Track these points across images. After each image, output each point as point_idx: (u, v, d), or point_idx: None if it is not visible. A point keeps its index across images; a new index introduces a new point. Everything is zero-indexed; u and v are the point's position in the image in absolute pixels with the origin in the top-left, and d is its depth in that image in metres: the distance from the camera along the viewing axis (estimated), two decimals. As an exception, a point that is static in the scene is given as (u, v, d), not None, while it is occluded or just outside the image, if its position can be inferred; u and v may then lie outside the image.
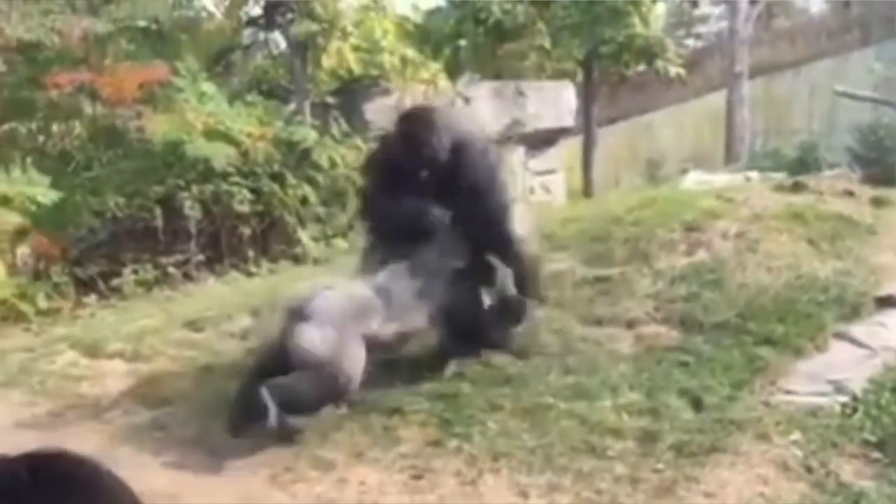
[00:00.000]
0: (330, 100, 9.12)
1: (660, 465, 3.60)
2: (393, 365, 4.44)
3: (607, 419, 3.95)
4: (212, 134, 7.98)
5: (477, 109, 9.72)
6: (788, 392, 4.05)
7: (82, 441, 4.33)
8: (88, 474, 0.91)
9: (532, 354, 4.63)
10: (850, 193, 6.17)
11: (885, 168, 7.92)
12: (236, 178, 7.99)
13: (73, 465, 0.92)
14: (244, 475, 3.88)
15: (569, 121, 10.75)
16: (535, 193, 10.36)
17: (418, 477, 3.71)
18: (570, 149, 11.91)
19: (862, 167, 8.39)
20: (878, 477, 3.44)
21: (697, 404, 4.03)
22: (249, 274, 7.81)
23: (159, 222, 7.85)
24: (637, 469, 3.58)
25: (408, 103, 9.20)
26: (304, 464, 3.90)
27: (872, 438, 3.68)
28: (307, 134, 8.41)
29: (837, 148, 10.42)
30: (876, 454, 3.59)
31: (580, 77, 12.32)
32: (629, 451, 3.73)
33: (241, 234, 8.06)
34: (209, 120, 8.01)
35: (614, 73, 12.81)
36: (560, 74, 11.90)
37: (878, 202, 5.99)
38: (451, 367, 4.49)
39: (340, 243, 8.23)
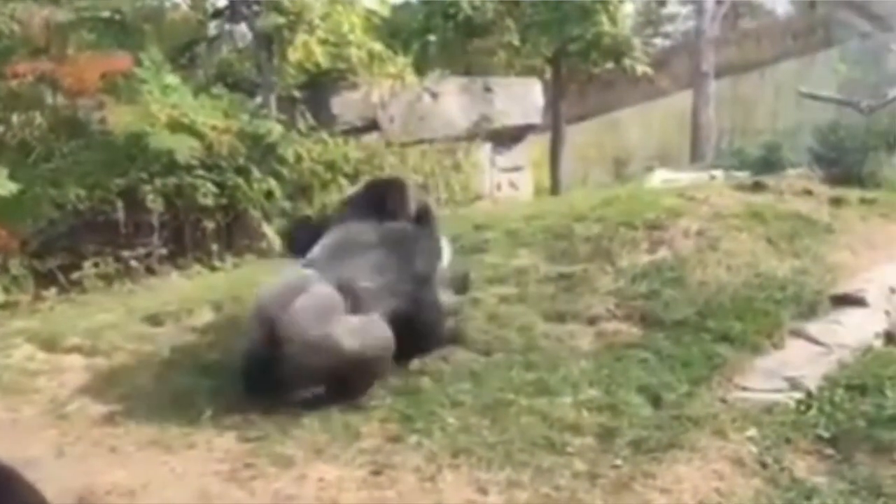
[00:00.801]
0: (296, 93, 9.06)
1: (618, 462, 3.62)
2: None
3: (567, 415, 3.97)
4: (175, 126, 7.89)
5: (444, 105, 9.74)
6: (745, 389, 4.10)
7: (38, 436, 4.27)
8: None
9: (494, 351, 4.65)
10: (809, 193, 6.27)
11: (845, 168, 8.01)
12: (200, 172, 7.91)
13: None
14: (202, 471, 3.85)
15: (536, 118, 10.78)
16: (501, 190, 10.39)
17: (377, 473, 3.70)
18: (537, 146, 11.95)
19: (822, 167, 8.49)
20: (831, 473, 3.49)
21: (656, 401, 4.06)
22: (213, 268, 7.74)
23: (121, 215, 7.76)
24: (595, 465, 3.60)
25: (375, 98, 9.19)
26: (263, 460, 3.88)
27: (826, 435, 3.73)
28: (273, 127, 8.35)
29: (801, 148, 10.54)
30: (829, 450, 3.64)
31: (549, 74, 12.37)
32: (588, 447, 3.75)
33: (205, 228, 7.98)
34: (173, 112, 7.91)
35: (582, 71, 12.87)
36: (528, 71, 11.93)
37: (836, 202, 6.09)
38: (414, 364, 4.49)
39: (306, 238, 8.18)
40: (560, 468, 3.61)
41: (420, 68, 10.02)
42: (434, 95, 9.68)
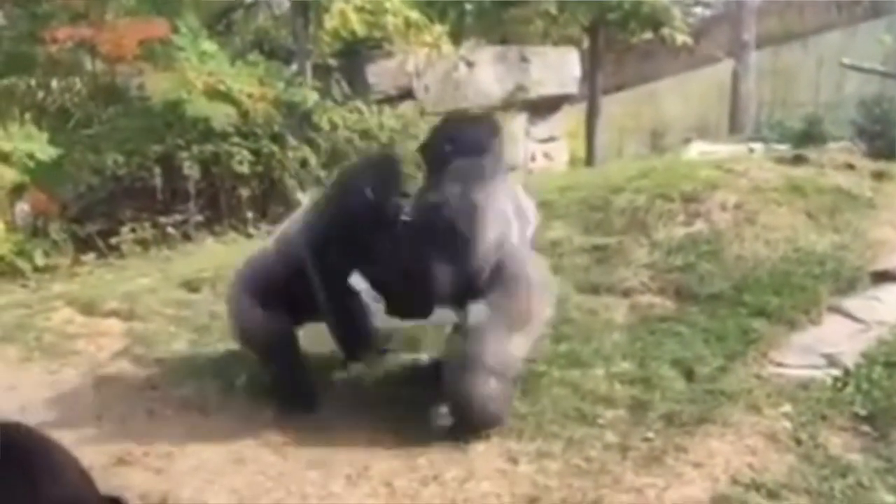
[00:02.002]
0: (332, 62, 9.05)
1: (650, 434, 3.61)
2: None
3: (599, 387, 3.96)
4: (212, 93, 7.93)
5: (480, 74, 9.67)
6: (780, 364, 4.04)
7: (76, 398, 4.36)
8: (30, 444, 0.91)
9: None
10: (850, 167, 6.13)
11: (889, 142, 7.85)
12: (236, 139, 7.96)
13: (17, 436, 0.92)
14: (236, 436, 3.91)
15: (573, 88, 10.68)
16: (536, 160, 10.33)
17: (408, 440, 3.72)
18: (573, 116, 11.83)
19: (865, 141, 8.33)
20: (867, 451, 3.44)
21: (689, 375, 4.03)
22: (248, 235, 7.81)
23: (158, 181, 7.85)
24: (627, 437, 3.59)
25: (410, 66, 9.15)
26: (296, 426, 3.93)
27: (862, 412, 3.68)
28: (308, 95, 8.36)
29: (843, 121, 10.34)
30: (865, 428, 3.59)
31: (586, 44, 12.21)
32: (620, 419, 3.74)
33: (240, 196, 8.05)
34: (209, 79, 7.95)
35: (620, 41, 12.67)
36: (565, 41, 11.78)
37: (878, 176, 5.95)
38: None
39: (340, 206, 8.20)
40: (591, 440, 3.60)
41: (456, 37, 9.96)
42: (470, 64, 9.62)
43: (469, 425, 3.69)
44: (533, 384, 4.02)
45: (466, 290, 3.75)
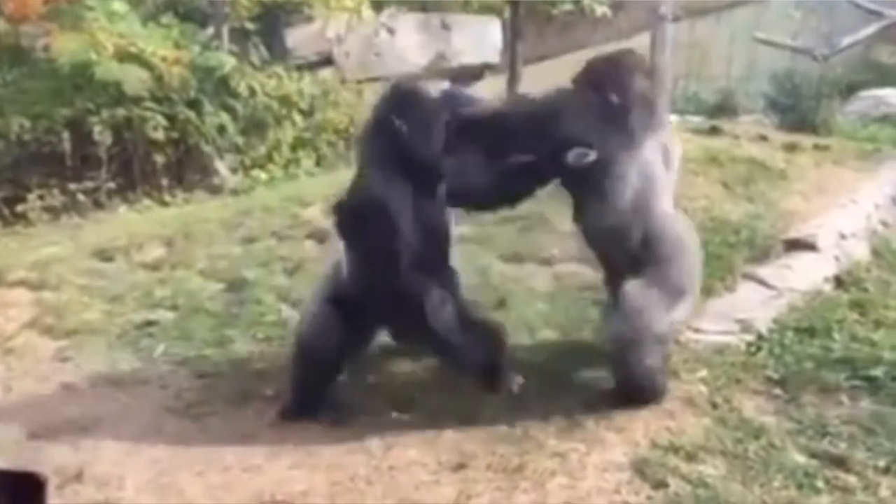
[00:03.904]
0: (249, 25, 8.82)
1: (572, 401, 3.65)
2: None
3: (523, 356, 3.99)
4: (123, 56, 7.65)
5: (402, 41, 9.58)
6: (697, 331, 4.15)
7: (-17, 371, 4.19)
8: None
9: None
10: (764, 138, 6.31)
11: (799, 115, 8.08)
12: (150, 104, 7.70)
13: None
14: (155, 407, 3.81)
15: (495, 57, 10.67)
16: (458, 130, 10.30)
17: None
18: (496, 86, 11.83)
19: (777, 113, 8.56)
20: (779, 413, 3.56)
21: (611, 342, 4.09)
22: (164, 203, 7.60)
23: (67, 146, 7.55)
24: (550, 405, 3.63)
25: (330, 32, 9.00)
26: (218, 397, 3.86)
27: (775, 376, 3.81)
28: (225, 60, 8.14)
29: (755, 94, 10.60)
30: (777, 391, 3.72)
31: (507, 14, 12.19)
32: (544, 386, 3.77)
33: (155, 162, 7.81)
34: (121, 41, 7.66)
35: (541, 11, 12.71)
36: (486, 9, 11.74)
37: (790, 147, 6.14)
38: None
39: (259, 174, 8.06)
40: (515, 407, 3.63)
41: (377, 3, 9.81)
42: (391, 31, 9.51)
43: (640, 400, 3.58)
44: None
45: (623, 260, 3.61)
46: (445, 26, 10.09)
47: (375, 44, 9.37)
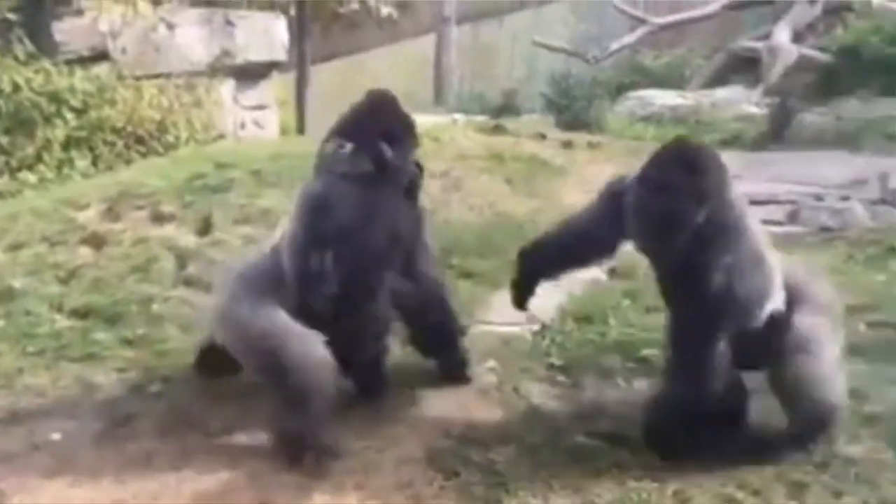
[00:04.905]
0: (11, 16, 8.15)
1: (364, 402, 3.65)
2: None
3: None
4: None
5: (183, 37, 9.20)
6: (486, 323, 4.29)
7: None
8: None
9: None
10: (543, 137, 6.62)
11: (574, 114, 8.57)
12: None
13: None
14: None
15: (281, 55, 10.49)
16: (246, 128, 10.06)
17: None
18: (283, 85, 11.65)
19: (554, 113, 9.03)
20: (563, 398, 3.74)
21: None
22: (-87, 209, 6.87)
23: None
24: (347, 406, 3.61)
25: (103, 26, 8.50)
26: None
27: (558, 362, 4.00)
28: (-16, 53, 7.49)
29: (535, 94, 11.12)
30: (561, 377, 3.91)
31: (293, 11, 12.03)
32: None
33: None
34: None
35: (328, 9, 12.65)
36: (270, 6, 11.53)
37: (567, 145, 6.49)
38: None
39: (28, 176, 7.49)
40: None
41: (155, -4, 9.37)
42: (171, 26, 9.10)
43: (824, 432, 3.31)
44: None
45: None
46: (229, 22, 9.79)
47: (154, 39, 8.93)
